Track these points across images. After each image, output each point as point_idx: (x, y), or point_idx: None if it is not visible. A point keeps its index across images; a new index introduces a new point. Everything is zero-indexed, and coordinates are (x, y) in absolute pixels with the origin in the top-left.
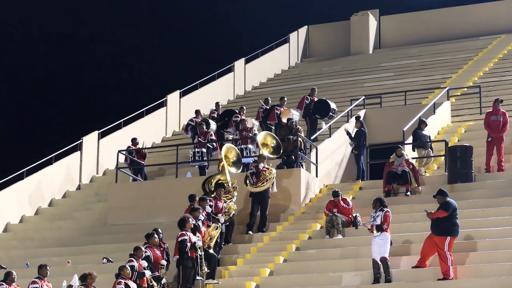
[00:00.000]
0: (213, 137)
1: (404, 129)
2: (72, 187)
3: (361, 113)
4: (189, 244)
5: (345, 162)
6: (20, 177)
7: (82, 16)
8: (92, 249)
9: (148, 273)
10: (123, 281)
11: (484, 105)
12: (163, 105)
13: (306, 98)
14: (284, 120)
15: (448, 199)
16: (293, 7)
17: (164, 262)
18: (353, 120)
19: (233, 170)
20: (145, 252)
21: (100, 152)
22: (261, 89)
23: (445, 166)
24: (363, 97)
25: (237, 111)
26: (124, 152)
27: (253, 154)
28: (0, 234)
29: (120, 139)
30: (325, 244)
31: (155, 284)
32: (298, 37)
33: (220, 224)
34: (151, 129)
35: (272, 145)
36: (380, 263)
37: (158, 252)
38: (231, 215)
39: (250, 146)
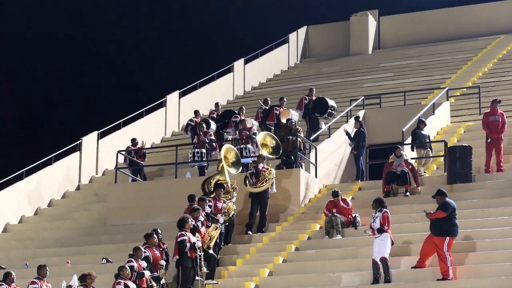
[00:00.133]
0: (213, 137)
1: (404, 129)
2: (72, 188)
3: (361, 114)
4: (188, 245)
5: (344, 163)
6: (20, 178)
7: (81, 16)
8: (91, 249)
9: (147, 273)
10: (122, 281)
11: (484, 106)
12: (162, 106)
13: (305, 98)
14: (284, 121)
15: (447, 199)
16: (293, 8)
17: (163, 262)
18: (352, 121)
19: (232, 170)
20: (144, 252)
21: (100, 152)
22: (260, 90)
23: (444, 167)
24: (363, 97)
25: (236, 112)
26: (123, 153)
27: (252, 155)
28: None
29: (120, 139)
30: (324, 245)
31: (154, 284)
32: (297, 37)
33: (219, 224)
34: (151, 129)
35: (272, 145)
36: (380, 263)
37: (157, 252)
38: (230, 215)
39: (249, 146)
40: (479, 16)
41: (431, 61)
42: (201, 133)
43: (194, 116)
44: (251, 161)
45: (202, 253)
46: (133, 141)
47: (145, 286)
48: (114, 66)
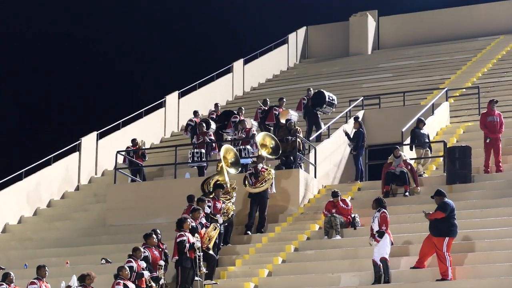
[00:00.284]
0: (212, 137)
1: (403, 129)
2: (71, 188)
3: (360, 114)
4: (187, 245)
5: (343, 163)
6: (19, 178)
7: (81, 17)
8: (90, 249)
9: (146, 273)
10: (121, 281)
11: (483, 106)
12: (162, 106)
13: (303, 99)
14: (283, 121)
15: (446, 199)
16: (292, 8)
17: (162, 262)
18: (351, 121)
19: (231, 171)
20: (144, 252)
21: (99, 152)
22: (260, 90)
23: (443, 167)
24: (362, 97)
25: (235, 112)
26: (122, 153)
27: (251, 155)
28: None
29: (119, 139)
30: (323, 245)
31: (153, 284)
32: (297, 37)
33: (218, 224)
34: (150, 129)
35: (271, 145)
36: (380, 263)
37: (156, 253)
38: (229, 215)
39: (248, 147)
40: (478, 16)
41: (430, 62)
42: (200, 135)
43: (193, 116)
44: (250, 162)
45: (201, 254)
46: (133, 141)
47: (144, 286)
48: (114, 66)
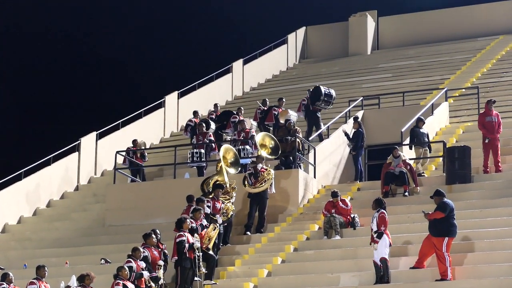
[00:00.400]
0: (212, 138)
1: (402, 130)
2: (70, 188)
3: (359, 114)
4: (187, 245)
5: (343, 163)
6: (18, 178)
7: (81, 16)
8: (90, 250)
9: (146, 274)
10: (121, 282)
11: (482, 106)
12: (161, 106)
13: (303, 100)
14: (282, 121)
15: (445, 199)
16: (291, 8)
17: (161, 262)
18: (351, 121)
19: (231, 170)
20: (143, 252)
21: (98, 153)
22: (259, 90)
23: (443, 167)
24: (361, 98)
25: (234, 112)
26: (122, 153)
27: (250, 155)
28: None
29: (118, 140)
30: (323, 245)
31: (153, 285)
32: (296, 38)
33: (218, 224)
34: (149, 130)
35: (271, 146)
36: (380, 263)
37: (155, 252)
38: (229, 215)
39: (247, 147)
40: (478, 16)
41: (430, 62)
42: (200, 135)
43: (193, 116)
44: (249, 162)
45: (201, 254)
46: (134, 142)
47: (144, 286)
48: (114, 67)
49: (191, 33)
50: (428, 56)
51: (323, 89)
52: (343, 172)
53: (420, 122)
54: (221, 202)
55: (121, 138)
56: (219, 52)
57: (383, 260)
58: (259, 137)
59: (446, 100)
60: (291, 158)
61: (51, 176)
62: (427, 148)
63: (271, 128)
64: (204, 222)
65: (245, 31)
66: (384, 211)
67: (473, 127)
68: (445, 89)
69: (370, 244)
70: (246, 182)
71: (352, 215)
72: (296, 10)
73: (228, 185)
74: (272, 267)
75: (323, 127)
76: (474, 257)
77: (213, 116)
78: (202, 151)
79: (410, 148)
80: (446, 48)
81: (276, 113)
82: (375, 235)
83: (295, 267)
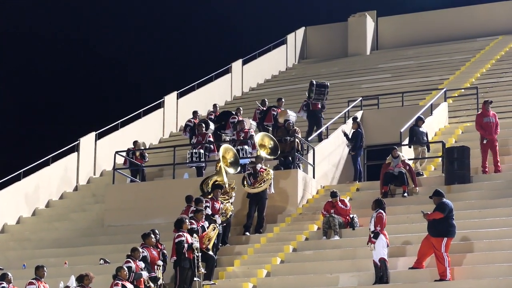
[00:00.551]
0: (211, 139)
1: (401, 130)
2: (69, 188)
3: (359, 114)
4: (186, 245)
5: (342, 163)
6: (18, 178)
7: (81, 17)
8: (89, 250)
9: (145, 274)
10: (120, 282)
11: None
12: (160, 106)
13: (304, 100)
14: (281, 121)
15: (444, 200)
16: (291, 8)
17: (160, 262)
18: (350, 121)
19: (230, 170)
20: (142, 252)
21: (98, 153)
22: (258, 90)
23: (442, 167)
24: (361, 98)
25: (233, 113)
26: (121, 154)
27: (249, 155)
28: None
29: (118, 140)
30: (322, 245)
31: (152, 285)
32: (295, 38)
33: (217, 225)
34: (149, 130)
35: (270, 146)
36: (379, 264)
37: (154, 252)
38: (228, 216)
39: (246, 147)
40: (477, 17)
41: (429, 62)
42: (199, 136)
43: (192, 117)
44: (248, 162)
45: (200, 254)
46: (135, 143)
47: (143, 287)
48: (113, 67)
49: (191, 33)
50: (427, 57)
51: (315, 81)
52: (342, 173)
53: (419, 121)
54: (220, 203)
55: (120, 138)
56: (218, 52)
57: (382, 260)
58: (258, 137)
59: (445, 101)
60: (290, 158)
61: (50, 176)
62: (425, 148)
63: (270, 129)
64: (206, 224)
65: (244, 31)
66: (382, 211)
67: (472, 127)
68: (444, 89)
69: (367, 244)
70: (245, 182)
71: (351, 216)
72: (295, 10)
73: (227, 186)
74: (271, 267)
75: (322, 128)
76: (473, 257)
77: (212, 117)
78: (202, 151)
79: (409, 147)
80: (445, 49)
81: (275, 113)
82: (372, 235)
83: (294, 267)
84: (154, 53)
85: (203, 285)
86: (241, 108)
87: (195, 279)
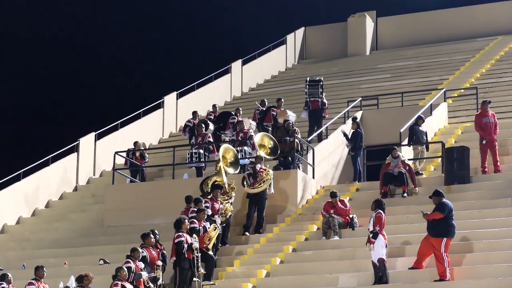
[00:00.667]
0: (211, 139)
1: (401, 130)
2: (69, 189)
3: (358, 115)
4: (186, 246)
5: (341, 164)
6: (17, 179)
7: (80, 17)
8: (88, 250)
9: (145, 274)
10: (119, 282)
11: None
12: (160, 107)
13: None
14: (281, 122)
15: (444, 200)
16: (290, 9)
17: (159, 262)
18: (350, 122)
19: (230, 170)
20: (142, 252)
21: (97, 153)
22: (258, 91)
23: (442, 167)
24: (360, 98)
25: (233, 113)
26: (121, 154)
27: (248, 156)
28: None
29: (117, 140)
30: (322, 246)
31: (151, 285)
32: (295, 38)
33: (218, 225)
34: (148, 130)
35: (269, 146)
36: (378, 264)
37: (153, 252)
38: (227, 216)
39: (245, 147)
40: (477, 17)
41: (428, 62)
42: (199, 136)
43: (192, 117)
44: (247, 162)
45: (199, 254)
46: (135, 144)
47: (142, 287)
48: (113, 67)
49: (190, 33)
50: (427, 57)
51: (308, 78)
52: (342, 173)
53: (419, 120)
54: (219, 203)
55: (120, 139)
56: (218, 52)
57: (381, 260)
58: (258, 137)
59: (445, 101)
60: (289, 158)
61: (50, 176)
62: (424, 147)
63: (270, 129)
64: (208, 225)
65: (244, 32)
66: (382, 212)
67: (472, 127)
68: (444, 89)
69: (366, 244)
70: (245, 183)
71: (350, 216)
72: (295, 10)
73: (226, 186)
74: (271, 267)
75: (322, 128)
76: (473, 257)
77: (212, 117)
78: (201, 151)
79: (409, 146)
80: (445, 49)
81: (275, 113)
82: (371, 236)
83: (294, 267)
84: (154, 53)
85: (202, 285)
86: (240, 109)
87: (194, 279)
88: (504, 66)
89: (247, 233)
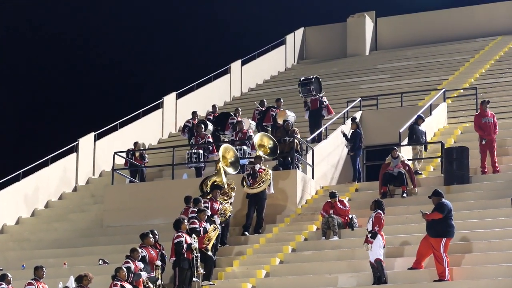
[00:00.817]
0: (210, 140)
1: (400, 130)
2: (69, 189)
3: (357, 115)
4: (185, 246)
5: (341, 164)
6: (17, 179)
7: (80, 17)
8: (88, 250)
9: (144, 274)
10: (119, 283)
11: None
12: (159, 107)
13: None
14: (280, 122)
15: (443, 200)
16: (290, 9)
17: (159, 262)
18: (349, 122)
19: (230, 170)
20: (141, 252)
21: (97, 153)
22: (257, 91)
23: (441, 168)
24: (359, 98)
25: (232, 114)
26: (120, 154)
27: (247, 156)
28: None
29: (117, 140)
30: (321, 246)
31: (151, 285)
32: (294, 38)
33: (218, 225)
34: (148, 130)
35: (269, 146)
36: (375, 264)
37: (153, 252)
38: (226, 216)
39: (245, 147)
40: (476, 17)
41: (428, 63)
42: (198, 137)
43: (191, 117)
44: (247, 162)
45: (199, 254)
46: (135, 144)
47: (142, 287)
48: (112, 67)
49: (190, 34)
50: (426, 57)
51: (301, 78)
52: (341, 173)
53: (419, 119)
54: (219, 203)
55: (120, 139)
56: (218, 53)
57: (378, 261)
58: (257, 137)
59: (444, 101)
60: (289, 158)
61: (49, 177)
62: (422, 146)
63: (269, 129)
64: (208, 225)
65: (243, 32)
66: (381, 212)
67: (471, 127)
68: (443, 89)
69: (364, 244)
70: (244, 183)
71: (350, 216)
72: (294, 10)
73: (226, 186)
74: (270, 267)
75: (322, 128)
76: (472, 257)
77: (211, 117)
78: (201, 151)
79: (409, 145)
80: (444, 49)
81: (274, 113)
82: (369, 235)
83: (293, 267)
84: (154, 53)
85: (202, 285)
86: (239, 109)
87: (194, 279)
88: (503, 66)
89: (246, 233)
